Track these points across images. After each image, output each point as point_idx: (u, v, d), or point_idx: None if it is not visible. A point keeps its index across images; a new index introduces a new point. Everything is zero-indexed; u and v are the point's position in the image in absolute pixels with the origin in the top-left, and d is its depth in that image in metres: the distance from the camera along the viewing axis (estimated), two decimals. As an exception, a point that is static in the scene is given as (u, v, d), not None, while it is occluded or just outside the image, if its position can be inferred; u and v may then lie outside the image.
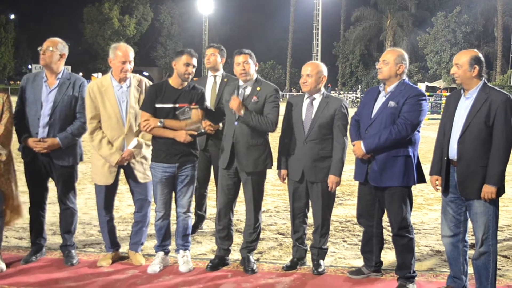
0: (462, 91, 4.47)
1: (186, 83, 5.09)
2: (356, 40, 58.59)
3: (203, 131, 5.12)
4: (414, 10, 54.84)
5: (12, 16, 68.52)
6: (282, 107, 4.96)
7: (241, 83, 5.15)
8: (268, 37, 71.61)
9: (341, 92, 55.87)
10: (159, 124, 4.92)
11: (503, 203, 8.03)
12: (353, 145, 4.81)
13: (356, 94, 49.49)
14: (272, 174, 9.77)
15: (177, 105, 5.01)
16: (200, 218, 6.55)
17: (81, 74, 48.69)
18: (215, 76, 6.17)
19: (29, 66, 63.95)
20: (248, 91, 5.11)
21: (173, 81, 5.09)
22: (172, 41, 72.15)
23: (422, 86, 31.40)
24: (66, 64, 5.36)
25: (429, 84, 45.23)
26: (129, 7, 69.67)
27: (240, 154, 5.10)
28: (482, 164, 4.25)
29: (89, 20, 69.17)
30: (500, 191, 4.26)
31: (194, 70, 5.07)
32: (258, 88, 5.11)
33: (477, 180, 4.27)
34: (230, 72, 6.08)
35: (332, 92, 48.57)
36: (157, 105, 4.98)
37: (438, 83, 48.12)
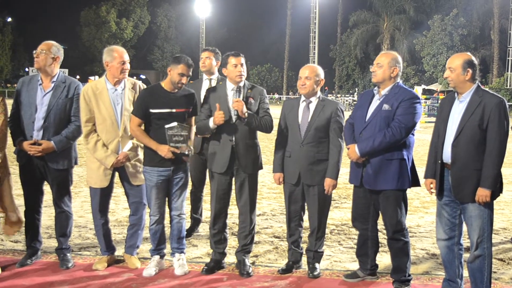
0: (455, 94, 4.48)
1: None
2: (353, 43, 58.63)
3: (186, 153, 5.08)
4: (412, 13, 54.87)
5: (9, 19, 68.50)
6: (277, 110, 4.97)
7: (231, 86, 5.16)
8: (265, 40, 71.72)
9: (338, 95, 55.95)
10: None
11: (499, 206, 8.06)
12: (348, 149, 4.82)
13: (353, 97, 49.55)
14: (268, 177, 9.78)
15: (174, 110, 5.01)
16: (196, 222, 6.55)
17: (78, 77, 48.71)
18: (210, 79, 6.18)
19: (26, 69, 63.93)
20: (242, 93, 5.12)
21: (166, 85, 5.08)
22: (169, 44, 72.27)
23: (419, 89, 31.39)
24: (63, 67, 5.37)
25: (426, 87, 45.27)
26: (126, 10, 69.69)
27: (240, 156, 5.11)
28: (476, 168, 4.25)
29: (86, 23, 69.22)
30: (495, 194, 4.26)
31: (187, 80, 5.09)
32: (249, 90, 5.15)
33: (471, 183, 4.27)
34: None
35: (329, 95, 48.67)
36: (154, 111, 4.97)
37: (435, 86, 48.20)
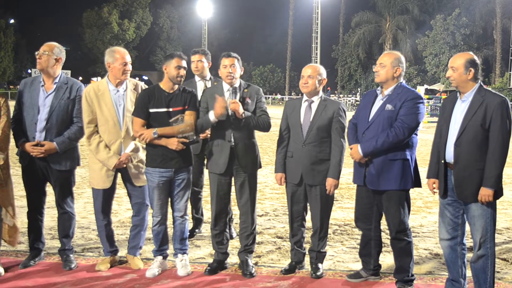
0: (458, 94, 4.47)
1: (177, 86, 5.11)
2: (355, 43, 58.60)
3: (195, 138, 5.10)
4: (416, 13, 54.81)
5: (12, 21, 68.68)
6: (279, 111, 4.98)
7: (227, 86, 5.16)
8: (267, 40, 71.86)
9: (341, 96, 55.93)
10: (153, 135, 4.92)
11: (502, 206, 8.04)
12: (350, 149, 4.82)
13: (356, 97, 49.50)
14: (271, 177, 9.78)
15: (170, 109, 5.02)
16: (198, 222, 6.56)
17: (80, 78, 48.76)
18: (204, 81, 6.18)
19: (29, 71, 64.16)
20: (238, 94, 5.13)
21: (165, 85, 5.10)
22: (171, 45, 72.32)
23: (421, 89, 31.40)
24: (65, 68, 5.36)
25: (429, 87, 45.21)
26: (128, 11, 69.82)
27: (240, 156, 5.11)
28: (478, 167, 4.24)
29: (88, 24, 69.36)
30: (498, 193, 4.25)
31: (185, 72, 5.09)
32: (245, 90, 5.16)
33: (474, 183, 4.25)
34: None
35: (331, 95, 48.68)
36: (151, 110, 4.99)
37: (438, 86, 48.15)
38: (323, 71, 5.16)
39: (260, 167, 5.34)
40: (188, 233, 5.49)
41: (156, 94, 5.05)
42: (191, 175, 5.29)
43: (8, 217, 5.16)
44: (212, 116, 5.00)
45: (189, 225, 5.82)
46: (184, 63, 5.07)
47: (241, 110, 4.94)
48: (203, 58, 6.18)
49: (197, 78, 6.24)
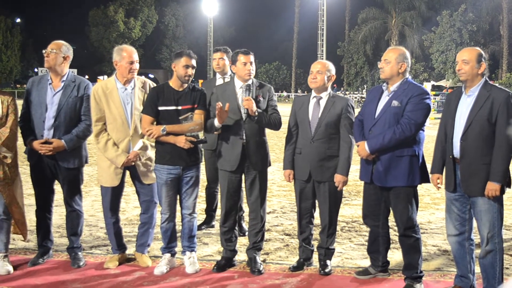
0: (463, 88, 4.47)
1: (186, 85, 5.10)
2: (361, 40, 58.41)
3: (203, 138, 5.10)
4: (424, 9, 54.59)
5: (18, 20, 68.88)
6: (285, 108, 4.96)
7: (239, 83, 5.16)
8: (273, 38, 71.75)
9: (347, 92, 55.80)
10: (161, 132, 4.92)
11: (510, 202, 8.00)
12: (357, 146, 4.81)
13: (362, 94, 49.38)
14: (278, 174, 9.78)
15: (179, 108, 5.02)
16: (210, 218, 6.60)
17: (86, 77, 48.72)
18: (223, 78, 6.20)
19: (36, 70, 64.32)
20: (252, 91, 5.12)
21: (174, 83, 5.10)
22: (177, 43, 72.34)
23: (428, 85, 31.28)
24: (71, 67, 5.38)
25: (435, 84, 45.05)
26: (134, 9, 69.89)
27: (251, 153, 5.11)
28: (485, 162, 4.24)
29: (94, 23, 69.49)
30: (504, 188, 4.25)
31: (193, 71, 5.08)
32: (258, 88, 5.17)
33: (480, 177, 4.25)
34: None
35: (337, 92, 48.55)
36: (160, 108, 4.99)
37: (444, 82, 47.97)
38: (332, 68, 5.16)
39: (270, 165, 5.34)
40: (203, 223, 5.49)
41: (165, 92, 5.05)
42: (200, 172, 5.29)
43: (18, 212, 5.16)
44: (216, 122, 5.00)
45: (202, 218, 5.80)
46: (193, 62, 5.06)
47: (254, 107, 4.94)
48: (224, 56, 6.24)
49: (217, 76, 6.28)
